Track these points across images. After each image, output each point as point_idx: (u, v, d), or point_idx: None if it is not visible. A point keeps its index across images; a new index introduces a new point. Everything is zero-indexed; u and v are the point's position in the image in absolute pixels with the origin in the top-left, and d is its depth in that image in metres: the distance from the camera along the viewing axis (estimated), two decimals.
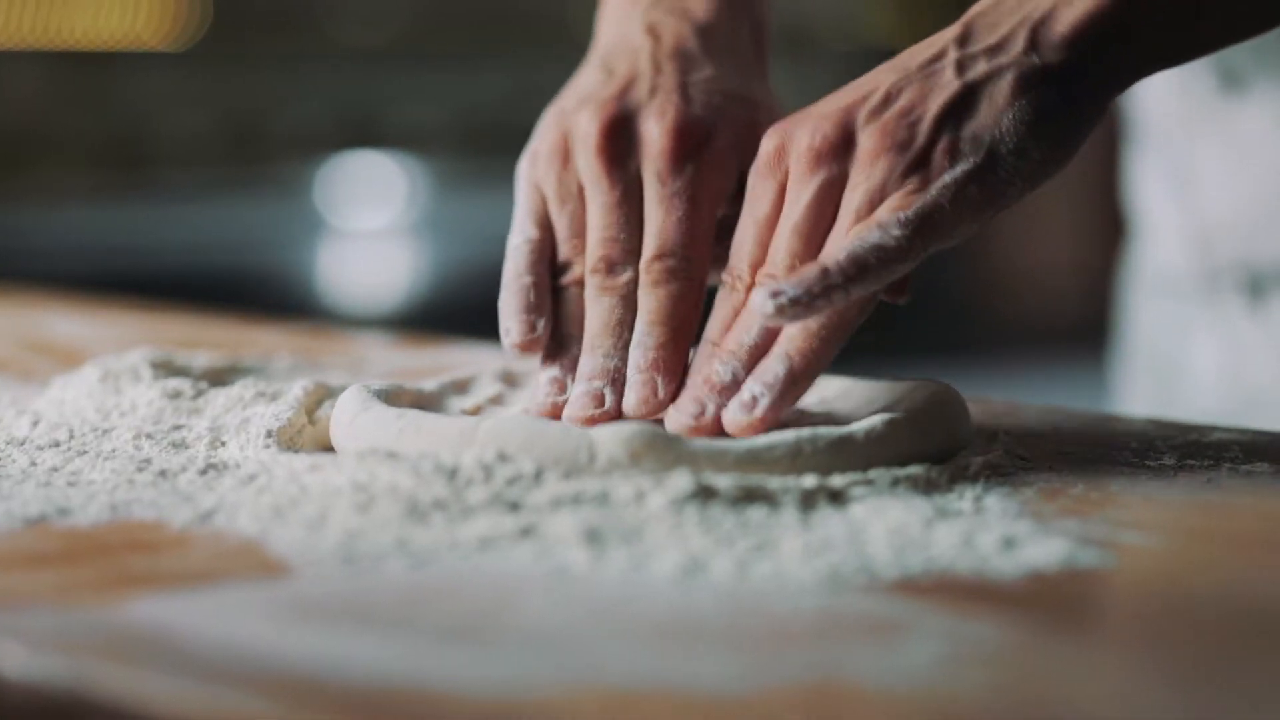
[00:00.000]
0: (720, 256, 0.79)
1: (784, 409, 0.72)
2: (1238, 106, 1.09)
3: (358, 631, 0.54)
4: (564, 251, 0.81)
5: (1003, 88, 0.73)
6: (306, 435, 0.78)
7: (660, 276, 0.78)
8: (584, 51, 0.91)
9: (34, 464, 0.74)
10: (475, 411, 0.81)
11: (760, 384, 0.72)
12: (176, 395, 0.83)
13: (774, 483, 0.67)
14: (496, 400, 0.82)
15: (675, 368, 0.76)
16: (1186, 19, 0.74)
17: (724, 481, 0.67)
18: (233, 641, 0.53)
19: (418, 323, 3.17)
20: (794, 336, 0.72)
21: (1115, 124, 0.77)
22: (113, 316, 1.26)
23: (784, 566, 0.60)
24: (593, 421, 0.75)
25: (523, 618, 0.56)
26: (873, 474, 0.69)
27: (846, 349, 0.73)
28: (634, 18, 0.87)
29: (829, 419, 0.75)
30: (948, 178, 0.72)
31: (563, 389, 0.78)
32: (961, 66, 0.74)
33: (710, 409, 0.73)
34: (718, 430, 0.72)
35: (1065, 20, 0.73)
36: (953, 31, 0.75)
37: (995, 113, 0.73)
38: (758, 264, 0.75)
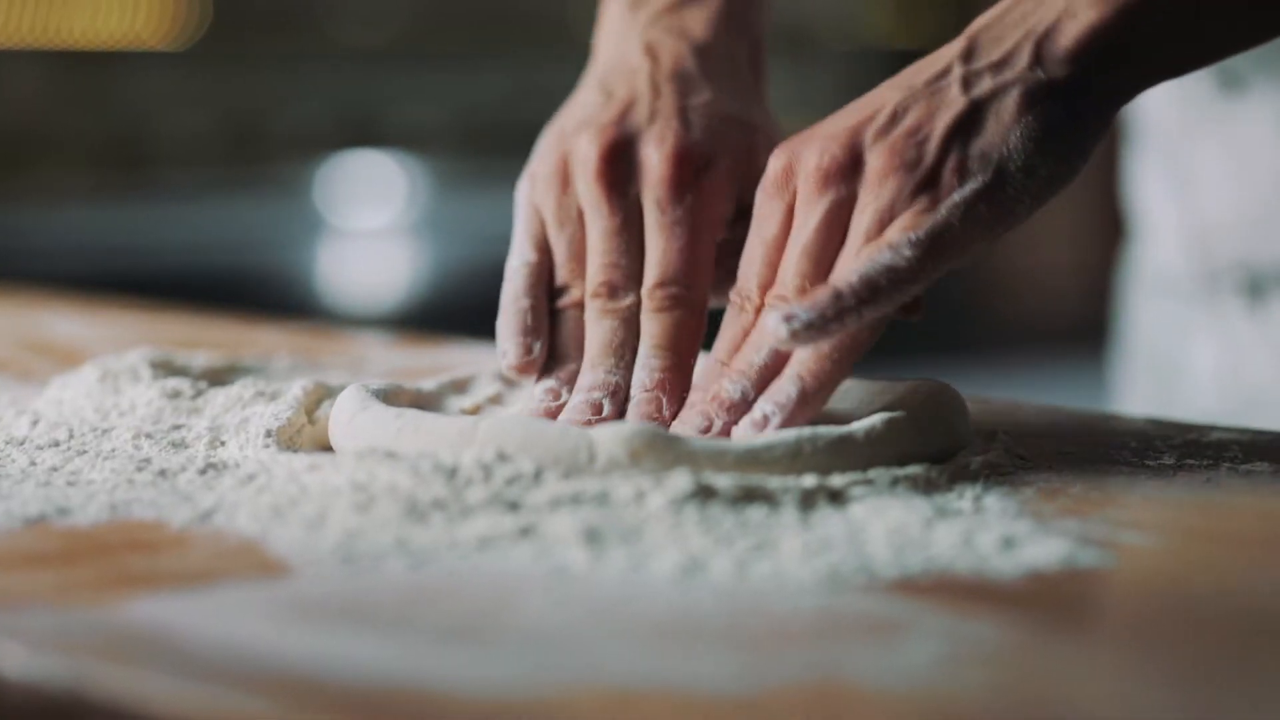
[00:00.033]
0: (718, 280, 0.80)
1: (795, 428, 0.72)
2: (1237, 107, 1.09)
3: (357, 631, 0.54)
4: (562, 275, 0.81)
5: (1009, 104, 0.73)
6: (306, 435, 0.78)
7: (664, 303, 0.78)
8: (584, 51, 0.91)
9: (33, 463, 0.74)
10: (474, 411, 0.81)
11: (772, 403, 0.71)
12: (176, 395, 0.83)
13: (773, 482, 0.67)
14: (496, 400, 0.82)
15: (679, 391, 0.77)
16: (1190, 29, 0.74)
17: (723, 481, 0.67)
18: (232, 641, 0.53)
19: (417, 322, 3.17)
20: (806, 358, 0.72)
21: (1115, 124, 0.78)
22: (112, 316, 1.26)
23: (783, 566, 0.60)
24: (590, 425, 0.75)
25: (522, 617, 0.56)
26: (872, 474, 0.69)
27: None
28: (632, 36, 0.87)
29: (829, 419, 0.75)
30: (957, 196, 0.72)
31: (558, 397, 0.78)
32: (967, 83, 0.74)
33: (718, 424, 0.72)
34: None
35: (1069, 34, 0.73)
36: (957, 46, 0.75)
37: (1002, 129, 0.73)
38: (767, 285, 0.75)
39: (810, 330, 0.70)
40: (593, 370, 0.78)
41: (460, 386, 0.83)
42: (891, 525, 0.64)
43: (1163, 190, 1.17)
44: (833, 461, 0.69)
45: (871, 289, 0.71)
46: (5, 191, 3.81)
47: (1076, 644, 0.55)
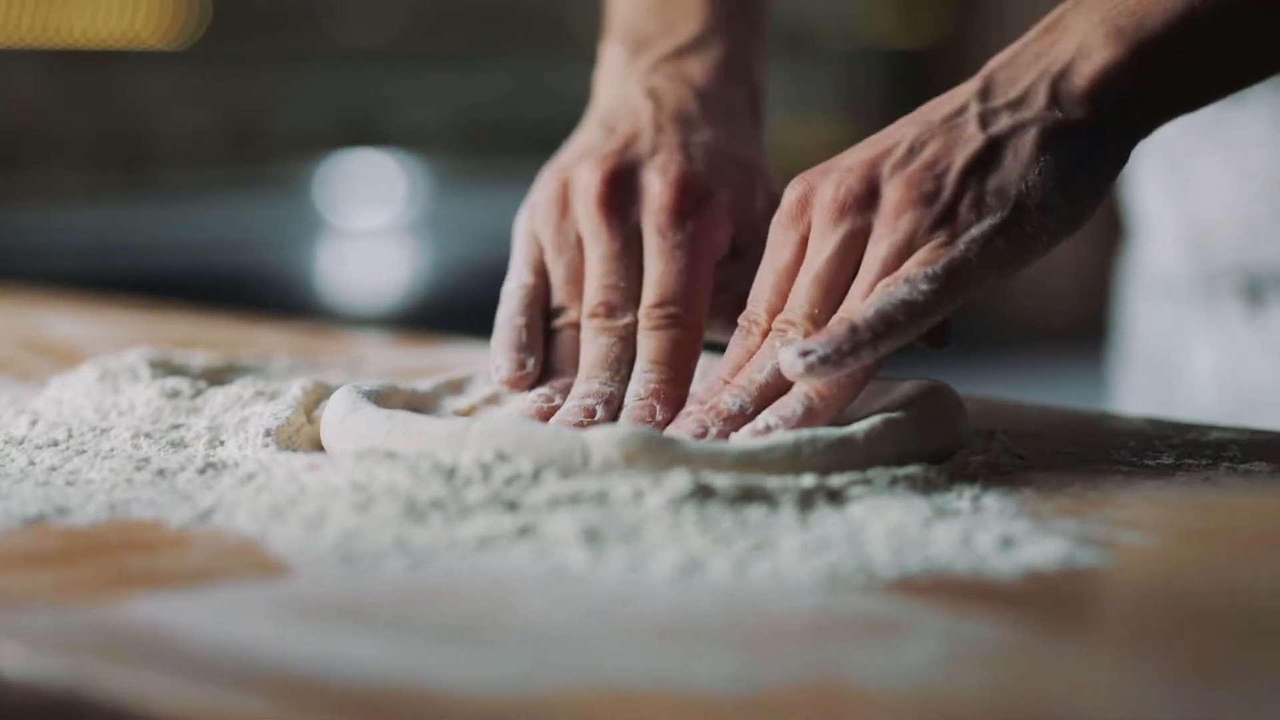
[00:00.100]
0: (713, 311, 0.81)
1: None
2: (1236, 111, 1.09)
3: (356, 631, 0.54)
4: (559, 297, 0.82)
5: (1027, 142, 0.73)
6: (305, 434, 0.77)
7: (660, 322, 0.79)
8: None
9: (32, 463, 0.74)
10: (470, 412, 0.81)
11: (776, 416, 0.71)
12: (175, 395, 0.83)
13: (772, 482, 0.67)
14: (492, 400, 0.82)
15: (675, 402, 0.77)
16: (1203, 68, 0.74)
17: (722, 481, 0.67)
18: (231, 641, 0.53)
19: (416, 322, 3.17)
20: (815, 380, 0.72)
21: None
22: (112, 316, 1.26)
23: (782, 566, 0.60)
24: (582, 428, 0.75)
25: (521, 617, 0.56)
26: (871, 473, 0.69)
27: None
28: (633, 82, 0.88)
29: None
30: (975, 231, 0.72)
31: (550, 401, 0.78)
32: (984, 120, 0.74)
33: (713, 432, 0.72)
34: None
35: (1084, 74, 0.73)
36: (973, 85, 0.75)
37: (1021, 167, 0.73)
38: (775, 311, 0.75)
39: (826, 365, 0.70)
40: (587, 381, 0.78)
41: (457, 387, 0.83)
42: (890, 525, 0.64)
43: (1162, 192, 1.17)
44: (832, 462, 0.69)
45: (888, 323, 0.71)
46: (5, 191, 3.81)
47: (1075, 644, 0.55)
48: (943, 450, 0.73)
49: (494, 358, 0.80)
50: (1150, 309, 1.21)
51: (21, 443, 0.78)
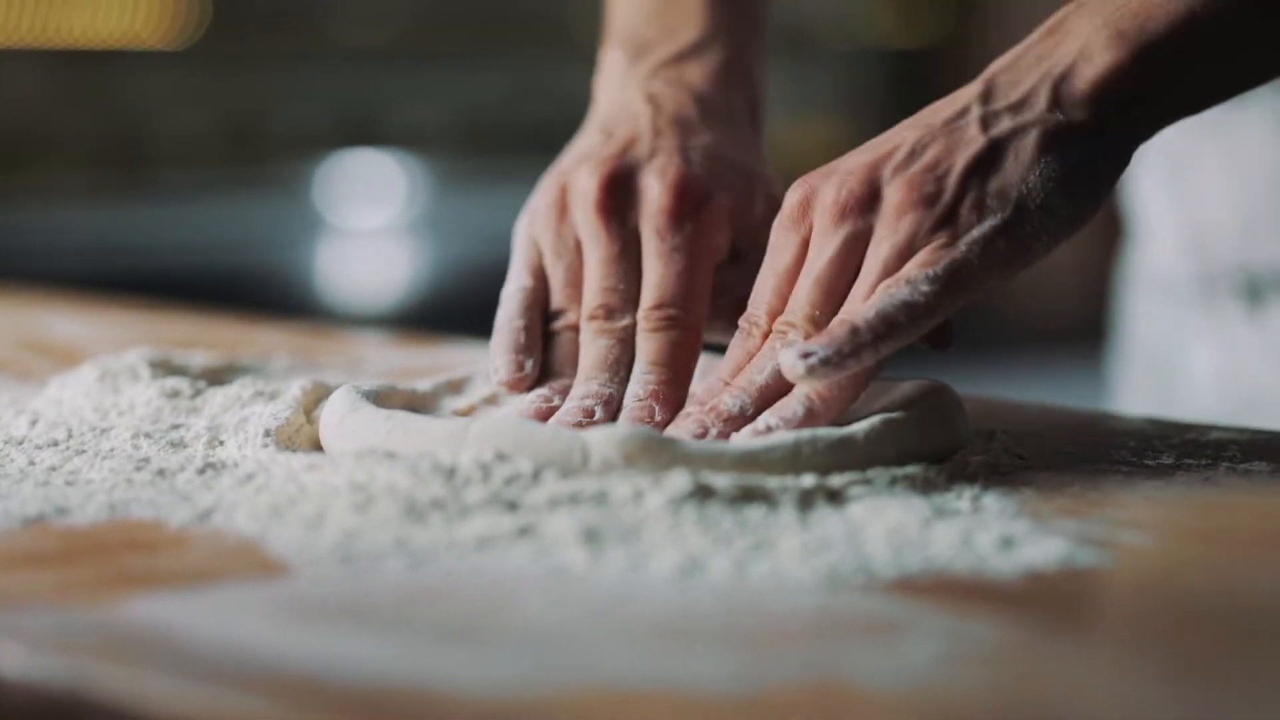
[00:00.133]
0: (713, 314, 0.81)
1: None
2: (1236, 113, 1.09)
3: (356, 631, 0.54)
4: (558, 299, 0.82)
5: (1028, 144, 0.73)
6: (304, 434, 0.77)
7: (659, 324, 0.79)
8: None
9: (32, 463, 0.74)
10: (469, 412, 0.81)
11: (777, 417, 0.71)
12: (175, 395, 0.83)
13: (772, 482, 0.67)
14: (491, 401, 0.82)
15: (674, 403, 0.77)
16: (1205, 70, 0.74)
17: (722, 481, 0.67)
18: (231, 641, 0.53)
19: (416, 322, 3.17)
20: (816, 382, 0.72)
21: None
22: (111, 316, 1.26)
23: (782, 566, 0.60)
24: (581, 428, 0.75)
25: (521, 617, 0.56)
26: (871, 473, 0.69)
27: None
28: (633, 87, 0.88)
29: None
30: (976, 233, 0.72)
31: (549, 402, 0.78)
32: (986, 123, 0.74)
33: (713, 433, 0.72)
34: None
35: (1085, 77, 0.73)
36: (974, 89, 0.75)
37: (1022, 169, 0.73)
38: (776, 313, 0.75)
39: (827, 367, 0.70)
40: (586, 383, 0.78)
41: (456, 387, 0.83)
42: (890, 525, 0.64)
43: (1162, 193, 1.17)
44: (832, 462, 0.69)
45: (889, 325, 0.71)
46: (5, 191, 3.81)
47: (1075, 643, 0.55)
48: (943, 450, 0.73)
49: (493, 359, 0.80)
50: (1150, 309, 1.21)
51: (21, 443, 0.78)
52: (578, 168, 0.83)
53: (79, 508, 0.67)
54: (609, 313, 0.80)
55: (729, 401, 0.73)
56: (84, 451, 0.76)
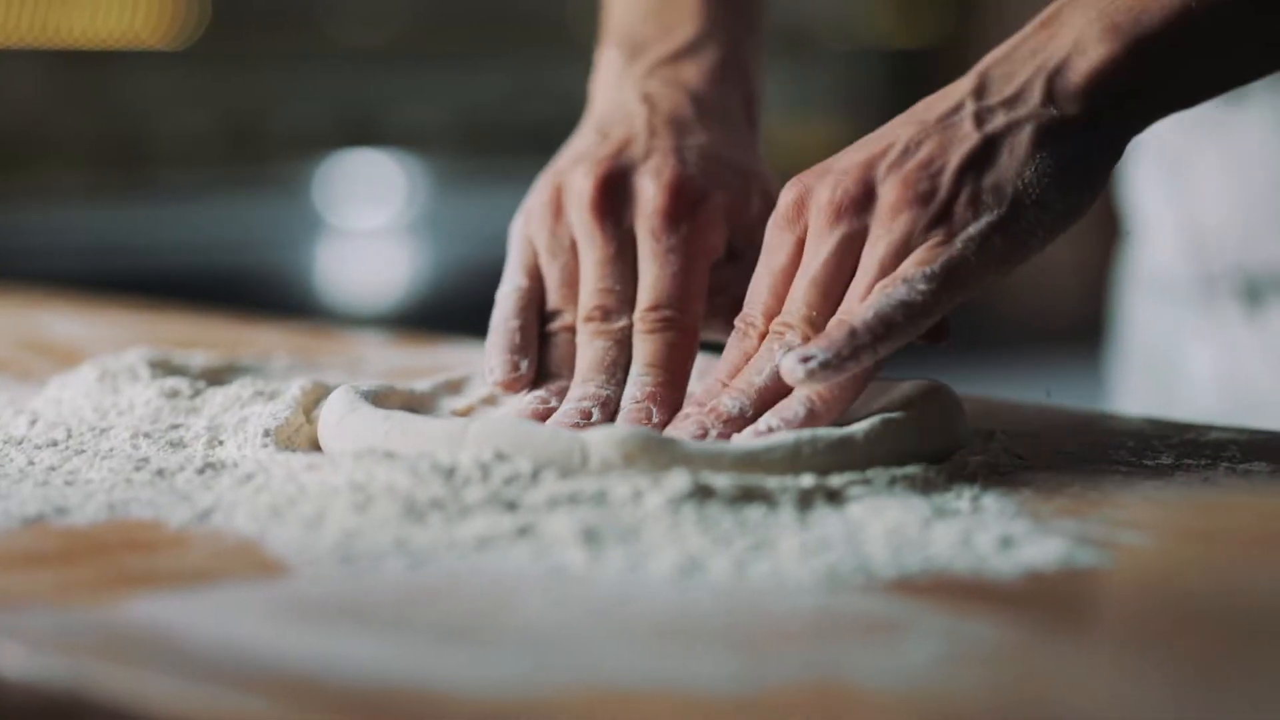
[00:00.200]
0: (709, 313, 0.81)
1: None
2: (1235, 113, 1.09)
3: (356, 631, 0.54)
4: (554, 300, 0.82)
5: (1022, 140, 0.73)
6: (304, 434, 0.77)
7: (656, 326, 0.79)
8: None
9: (32, 463, 0.74)
10: (467, 412, 0.81)
11: (779, 418, 0.71)
12: (174, 394, 0.83)
13: (772, 482, 0.67)
14: (490, 401, 0.82)
15: (671, 405, 0.77)
16: (1199, 63, 0.74)
17: (721, 481, 0.67)
18: (231, 641, 0.53)
19: (416, 322, 3.16)
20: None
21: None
22: (111, 316, 1.26)
23: (782, 566, 0.60)
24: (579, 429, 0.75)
25: (520, 617, 0.56)
26: (870, 473, 0.69)
27: None
28: (629, 87, 0.88)
29: None
30: (972, 230, 0.72)
31: (546, 404, 0.78)
32: (980, 118, 0.74)
33: (713, 434, 0.72)
34: None
35: (1079, 70, 0.73)
36: (968, 83, 0.75)
37: (1016, 164, 0.73)
38: (772, 313, 0.75)
39: (827, 370, 0.70)
40: (583, 384, 0.78)
41: (455, 387, 0.83)
42: (890, 525, 0.64)
43: (1160, 193, 1.17)
44: (831, 462, 0.69)
45: (887, 325, 0.71)
46: (5, 191, 3.81)
47: (1075, 643, 0.55)
48: (942, 450, 0.73)
49: (488, 359, 0.80)
50: (1149, 310, 1.21)
51: (21, 442, 0.78)
52: (573, 168, 0.83)
53: (78, 508, 0.67)
54: (605, 314, 0.80)
55: (728, 403, 0.73)
56: (83, 451, 0.76)
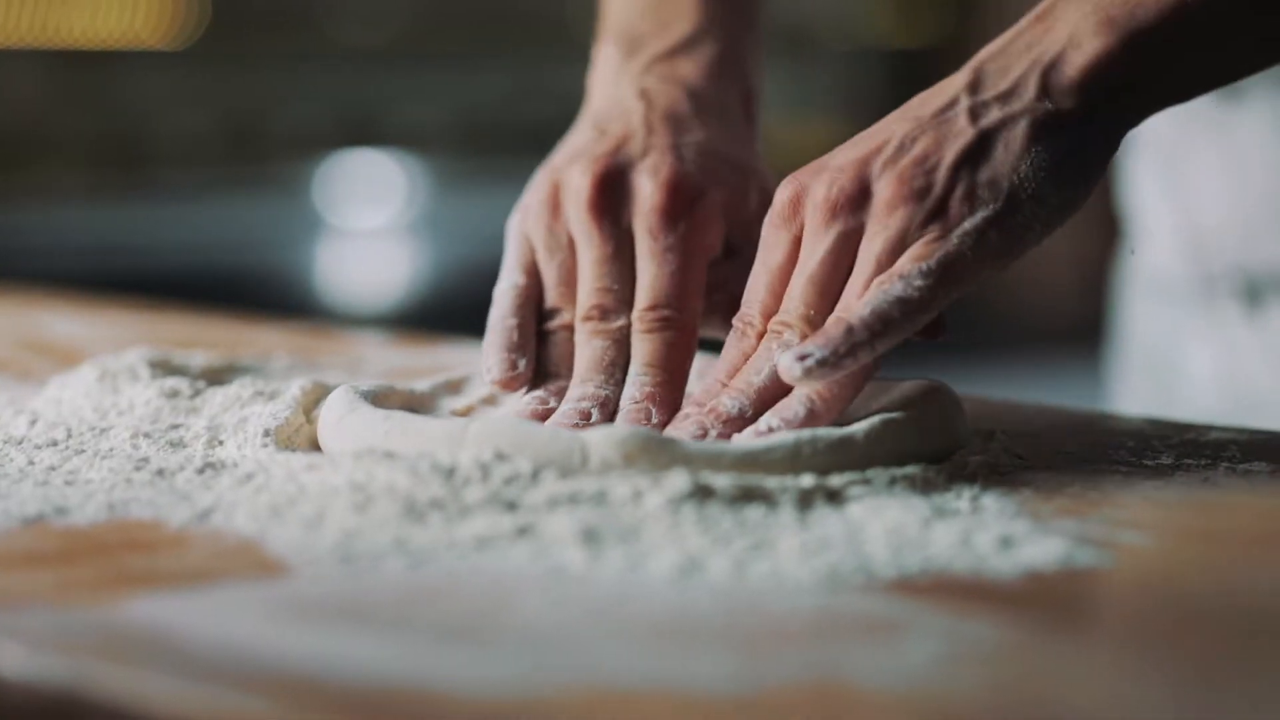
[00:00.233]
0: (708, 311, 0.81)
1: None
2: (1234, 113, 1.09)
3: (355, 631, 0.54)
4: (551, 298, 0.82)
5: (1018, 134, 0.73)
6: (304, 434, 0.77)
7: (654, 325, 0.79)
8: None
9: (31, 463, 0.74)
10: (467, 412, 0.81)
11: (779, 418, 0.71)
12: (174, 394, 0.83)
13: (771, 482, 0.67)
14: (489, 401, 0.82)
15: (670, 405, 0.77)
16: (1194, 57, 0.74)
17: (721, 481, 0.67)
18: (231, 641, 0.53)
19: (416, 322, 3.17)
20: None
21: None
22: (111, 316, 1.26)
23: (782, 566, 0.60)
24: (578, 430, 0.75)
25: (520, 617, 0.56)
26: (870, 473, 0.69)
27: None
28: (626, 83, 0.88)
29: None
30: (968, 225, 0.72)
31: (545, 404, 0.78)
32: (974, 114, 0.74)
33: (713, 434, 0.72)
34: None
35: (1074, 64, 0.73)
36: (962, 78, 0.75)
37: (1012, 159, 0.73)
38: (770, 312, 0.75)
39: (825, 368, 0.70)
40: (582, 385, 0.78)
41: (454, 387, 0.83)
42: (889, 525, 0.64)
43: (1159, 194, 1.17)
44: (831, 462, 0.69)
45: (884, 321, 0.71)
46: (5, 191, 3.81)
47: (1074, 644, 0.55)
48: (942, 450, 0.73)
49: (485, 358, 0.80)
50: (1148, 310, 1.21)
51: (21, 442, 0.78)
52: (570, 165, 0.83)
53: (78, 507, 0.67)
54: (603, 314, 0.80)
55: (728, 403, 0.73)
56: (83, 451, 0.76)
